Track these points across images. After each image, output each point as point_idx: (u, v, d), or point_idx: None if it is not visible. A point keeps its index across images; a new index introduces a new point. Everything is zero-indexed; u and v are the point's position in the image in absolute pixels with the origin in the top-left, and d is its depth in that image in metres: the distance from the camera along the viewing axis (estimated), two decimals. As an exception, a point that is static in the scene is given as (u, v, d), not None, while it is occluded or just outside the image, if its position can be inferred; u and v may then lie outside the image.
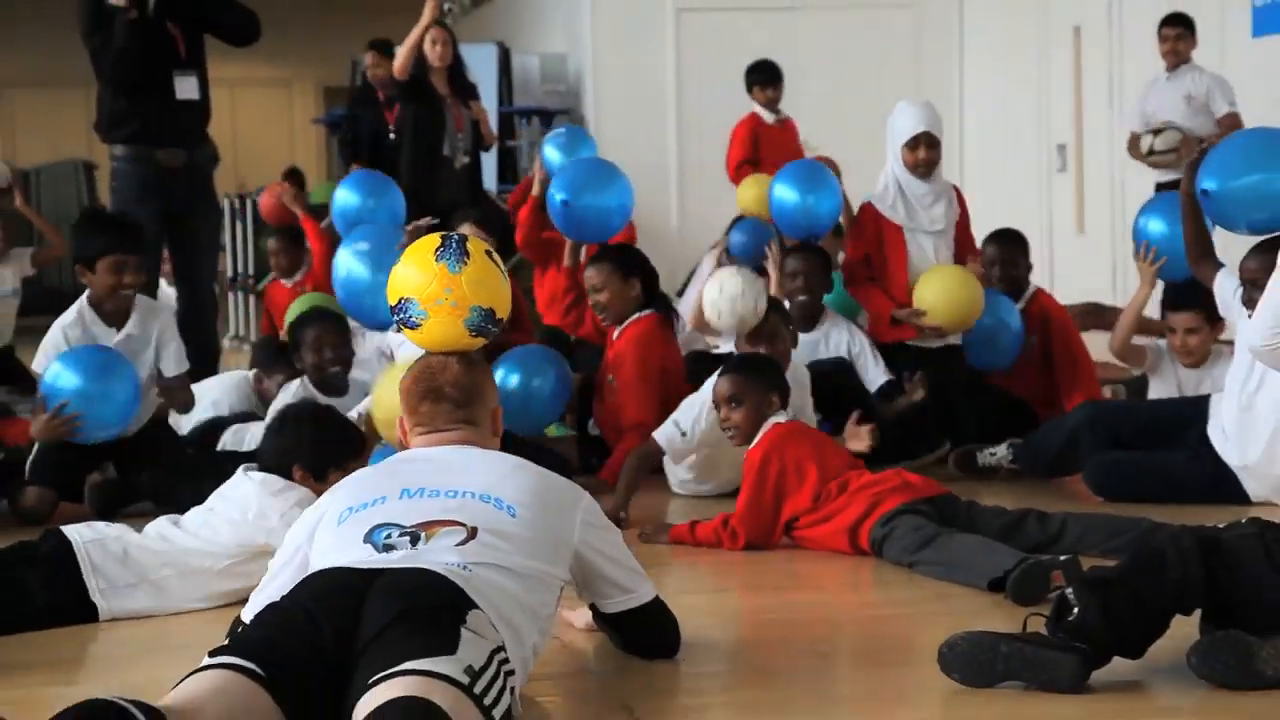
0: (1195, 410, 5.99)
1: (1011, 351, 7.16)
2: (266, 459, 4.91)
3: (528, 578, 3.48)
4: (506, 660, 3.20)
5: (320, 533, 3.61)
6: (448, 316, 3.79)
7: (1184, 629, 3.68)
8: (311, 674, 3.13)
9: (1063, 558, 4.50)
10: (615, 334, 6.67)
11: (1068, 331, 7.33)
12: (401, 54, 9.39)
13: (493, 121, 10.71)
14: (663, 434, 5.93)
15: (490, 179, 12.62)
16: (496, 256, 3.91)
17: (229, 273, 14.33)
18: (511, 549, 3.48)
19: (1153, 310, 6.96)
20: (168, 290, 8.88)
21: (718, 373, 5.60)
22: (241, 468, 4.95)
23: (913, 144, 6.90)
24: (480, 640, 3.14)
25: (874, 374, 7.02)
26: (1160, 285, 6.77)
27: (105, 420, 6.11)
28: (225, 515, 4.79)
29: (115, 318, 6.26)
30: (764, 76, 10.66)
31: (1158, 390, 6.68)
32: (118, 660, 4.32)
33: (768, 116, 10.61)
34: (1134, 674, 3.66)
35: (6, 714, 3.58)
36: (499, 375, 6.52)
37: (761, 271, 8.30)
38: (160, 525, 4.85)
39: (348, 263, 6.90)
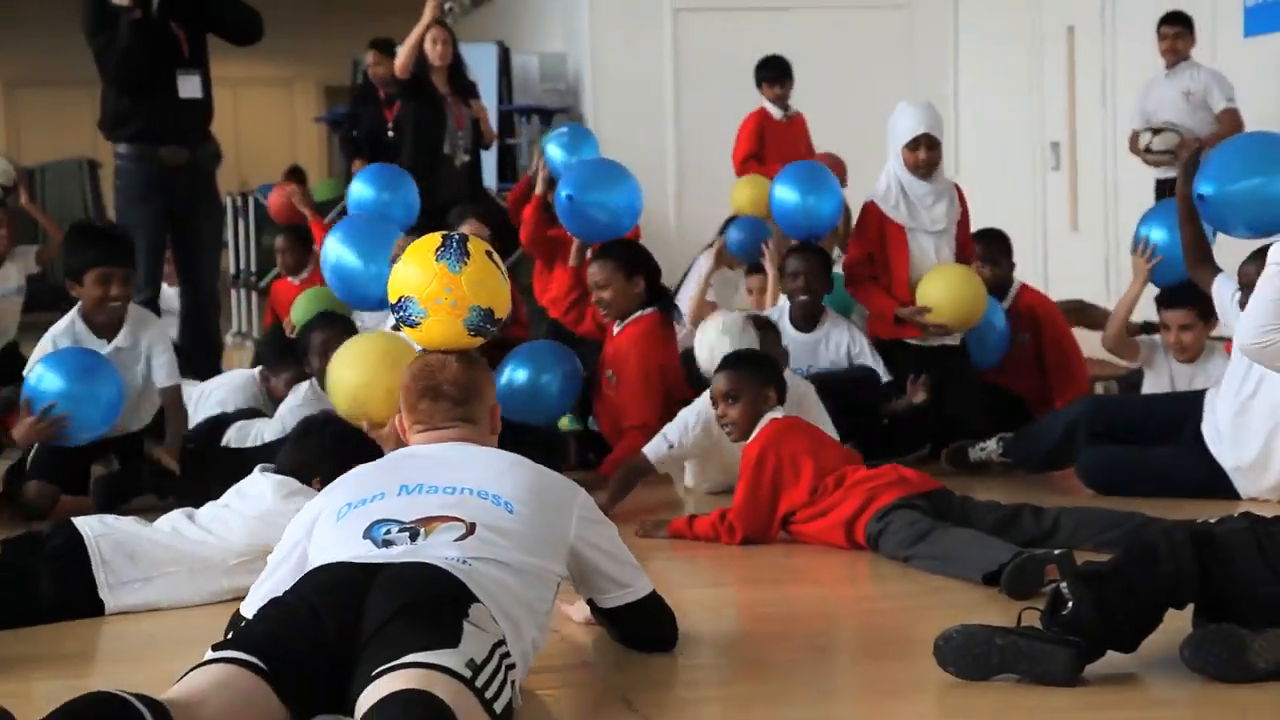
0: (1190, 405, 6.02)
1: (998, 350, 7.19)
2: (285, 466, 4.91)
3: (525, 573, 3.50)
4: (507, 653, 3.23)
5: (319, 528, 3.63)
6: (447, 316, 3.82)
7: (1177, 623, 3.71)
8: (314, 668, 3.16)
9: (1057, 552, 4.53)
10: (615, 329, 6.69)
11: (1058, 328, 7.36)
12: (403, 53, 9.42)
13: (492, 120, 10.72)
14: (652, 449, 5.96)
15: (490, 177, 12.64)
16: (496, 256, 3.93)
17: (231, 270, 14.36)
18: (509, 545, 3.50)
19: (1147, 309, 6.99)
20: (169, 291, 8.90)
21: (715, 369, 5.64)
22: (259, 467, 4.97)
23: (913, 145, 6.91)
24: (482, 633, 3.17)
25: (874, 375, 7.05)
26: (1152, 288, 6.79)
27: (89, 422, 6.10)
28: (240, 512, 4.81)
29: (106, 329, 6.23)
30: (773, 73, 10.65)
31: (1151, 384, 6.72)
32: (122, 654, 4.34)
33: (775, 112, 10.60)
34: (1127, 667, 3.69)
35: (10, 708, 3.61)
36: (509, 370, 6.56)
37: (758, 269, 8.35)
38: (174, 518, 4.86)
39: (336, 249, 6.95)
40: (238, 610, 3.76)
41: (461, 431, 3.81)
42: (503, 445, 3.93)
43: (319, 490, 4.69)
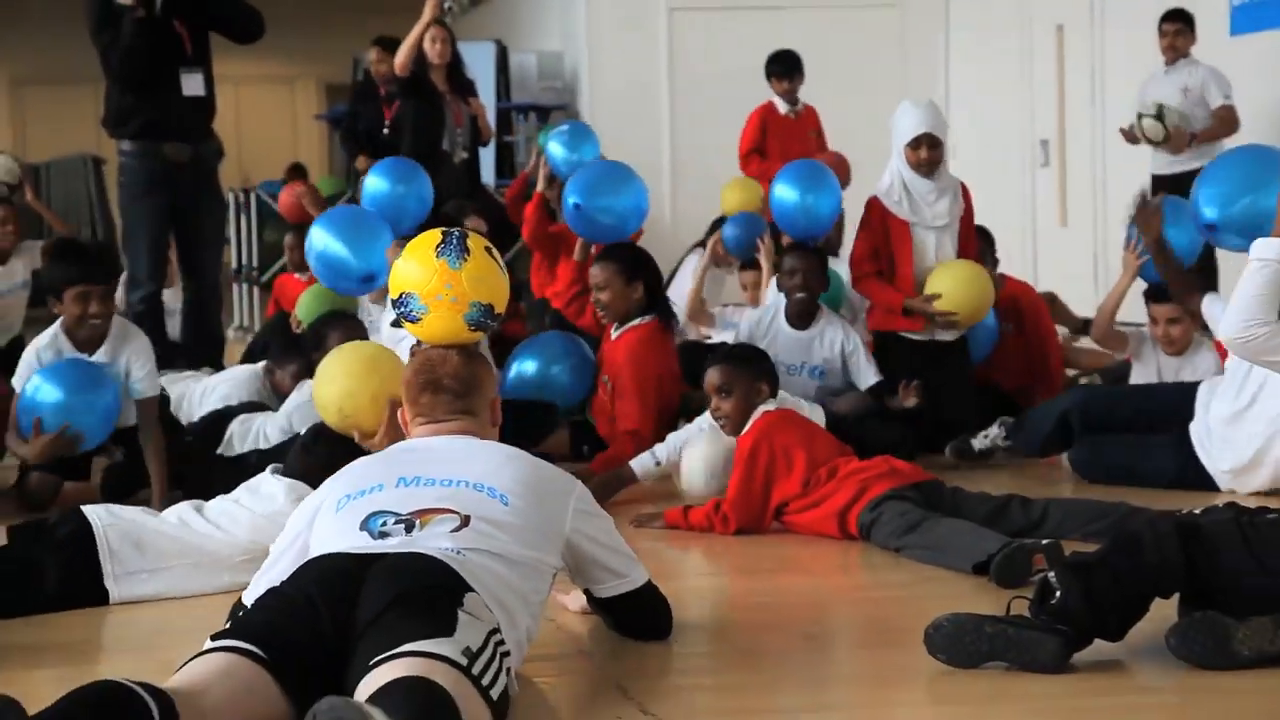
0: (1182, 398, 6.04)
1: (986, 345, 7.25)
2: (294, 471, 4.91)
3: (520, 564, 3.53)
4: (502, 641, 3.26)
5: (320, 519, 3.68)
6: (448, 311, 3.85)
7: (1163, 611, 3.74)
8: (312, 656, 3.19)
9: (1045, 542, 4.56)
10: (614, 333, 6.70)
11: (1039, 319, 7.45)
12: (402, 51, 9.46)
13: (490, 117, 10.76)
14: (639, 463, 6.03)
15: (488, 173, 12.69)
16: (496, 252, 3.97)
17: (233, 265, 14.42)
18: (504, 536, 3.53)
19: (1137, 307, 7.05)
20: (166, 292, 8.92)
21: (708, 363, 5.70)
22: (269, 468, 5.00)
23: (915, 144, 6.95)
24: (476, 622, 3.20)
25: (866, 373, 7.07)
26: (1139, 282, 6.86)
27: (89, 432, 6.12)
28: (250, 508, 4.83)
29: (88, 344, 6.18)
30: (782, 67, 10.63)
31: (1139, 375, 6.78)
32: (127, 644, 4.37)
33: (782, 107, 10.59)
34: (1114, 655, 3.72)
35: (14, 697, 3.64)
36: (520, 362, 6.60)
37: (753, 264, 8.39)
38: (182, 510, 4.89)
39: (323, 239, 7.01)
40: (239, 599, 3.79)
41: (462, 424, 3.85)
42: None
43: None
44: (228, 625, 3.41)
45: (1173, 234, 6.54)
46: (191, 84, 8.14)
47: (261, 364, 7.42)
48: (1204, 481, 5.84)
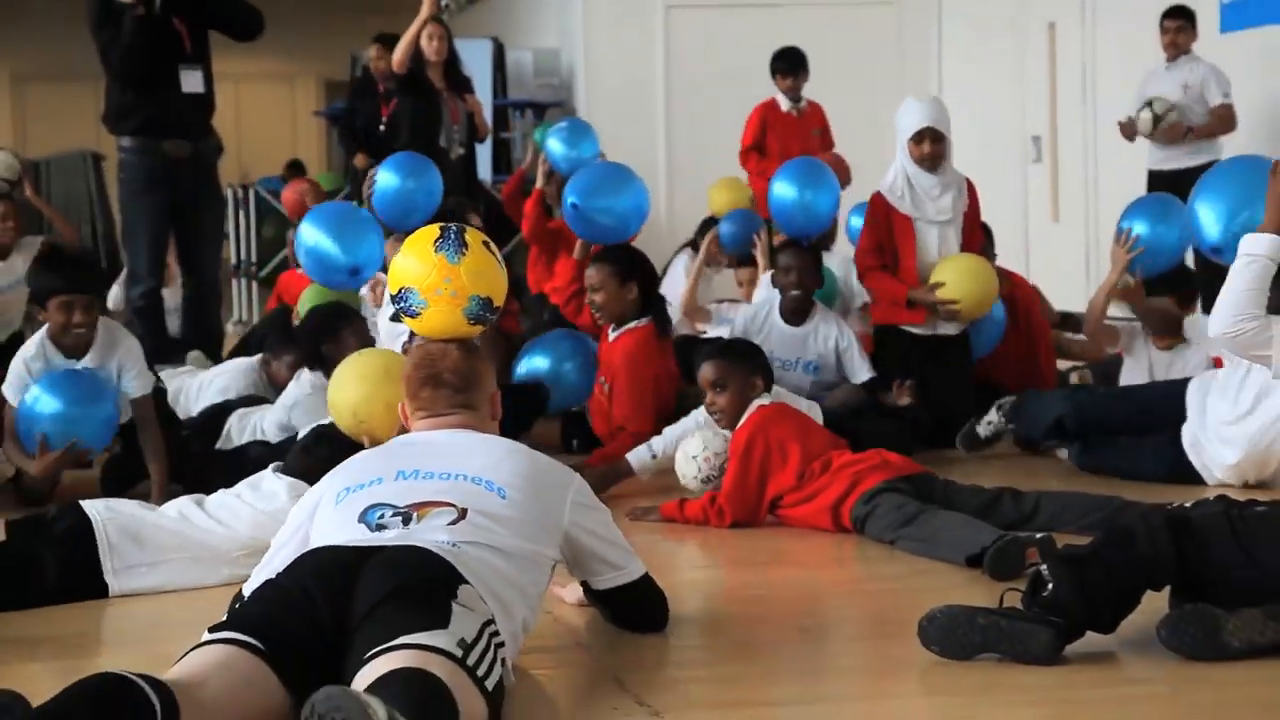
0: (1173, 400, 6.05)
1: (993, 339, 7.28)
2: (295, 470, 4.91)
3: (517, 557, 3.55)
4: (497, 633, 3.27)
5: (320, 512, 3.70)
6: (447, 306, 3.87)
7: (1155, 604, 3.76)
8: (309, 649, 3.21)
9: (1038, 535, 4.57)
10: (610, 335, 6.71)
11: (1033, 314, 7.49)
12: (399, 48, 9.49)
13: (487, 114, 10.78)
14: (635, 456, 6.05)
15: (485, 170, 12.72)
16: (494, 246, 4.00)
17: (232, 260, 14.45)
18: (501, 529, 3.55)
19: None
20: (164, 291, 8.95)
21: (702, 357, 5.72)
22: (271, 466, 5.01)
23: (917, 138, 6.98)
24: (470, 614, 3.22)
25: (859, 368, 7.10)
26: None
27: (91, 442, 6.16)
28: (251, 504, 4.84)
29: (74, 351, 6.17)
30: (786, 64, 10.62)
31: (1130, 370, 6.80)
32: (126, 637, 4.38)
33: (784, 104, 10.61)
34: (1106, 646, 3.74)
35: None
36: (529, 358, 6.62)
37: (749, 260, 8.41)
38: (182, 504, 4.90)
39: (313, 235, 7.04)
40: (239, 591, 3.81)
41: (462, 418, 3.87)
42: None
43: None
44: (226, 617, 3.42)
45: (1162, 231, 6.59)
46: (191, 81, 8.18)
47: (258, 356, 7.44)
48: (1195, 481, 5.88)
